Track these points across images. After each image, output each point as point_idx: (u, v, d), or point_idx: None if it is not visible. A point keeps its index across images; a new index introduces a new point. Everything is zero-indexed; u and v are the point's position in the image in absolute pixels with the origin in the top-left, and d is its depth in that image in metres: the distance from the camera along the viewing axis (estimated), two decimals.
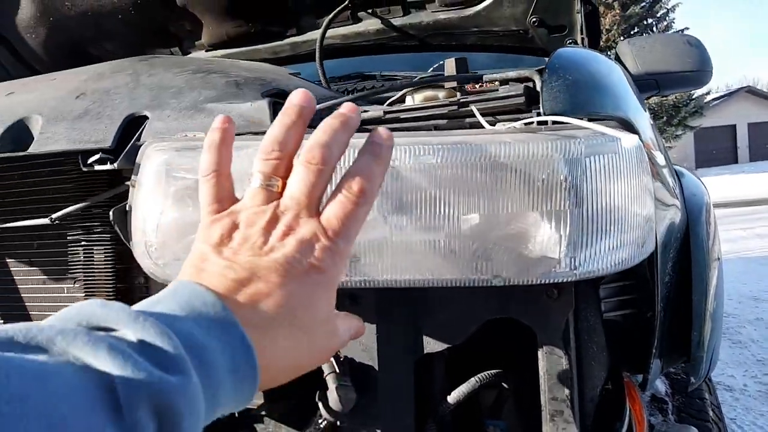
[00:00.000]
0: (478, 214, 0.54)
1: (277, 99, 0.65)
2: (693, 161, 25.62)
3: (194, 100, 0.63)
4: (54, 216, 0.68)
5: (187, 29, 1.53)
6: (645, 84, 1.32)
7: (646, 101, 1.19)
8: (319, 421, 0.71)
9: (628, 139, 0.55)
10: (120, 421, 0.28)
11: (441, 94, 0.75)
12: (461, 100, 0.63)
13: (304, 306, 0.41)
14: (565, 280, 0.56)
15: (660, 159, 0.76)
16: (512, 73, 0.65)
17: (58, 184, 0.74)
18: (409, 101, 0.78)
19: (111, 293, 0.71)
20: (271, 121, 0.61)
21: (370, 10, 1.39)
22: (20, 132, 0.64)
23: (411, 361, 0.69)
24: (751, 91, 29.78)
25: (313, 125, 0.45)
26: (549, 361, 0.66)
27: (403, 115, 0.66)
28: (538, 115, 0.60)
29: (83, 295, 0.73)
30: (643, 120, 0.70)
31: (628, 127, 0.61)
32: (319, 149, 0.42)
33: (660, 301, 0.68)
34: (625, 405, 0.73)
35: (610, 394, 0.74)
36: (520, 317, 0.66)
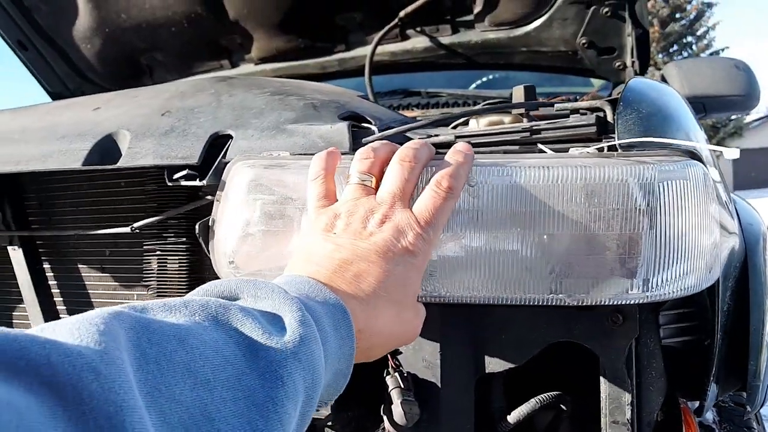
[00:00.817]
0: (554, 235, 0.56)
1: (353, 122, 0.68)
2: (731, 184, 25.15)
3: (276, 121, 0.66)
4: (135, 225, 0.71)
5: (237, 42, 1.57)
6: (692, 107, 1.33)
7: None
8: None
9: (697, 167, 0.56)
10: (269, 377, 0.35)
11: (507, 119, 0.76)
12: (534, 127, 0.65)
13: (398, 283, 0.47)
14: (636, 302, 0.57)
15: (721, 188, 0.76)
16: (583, 103, 0.66)
17: (136, 195, 0.77)
18: (473, 125, 0.80)
19: None
20: (350, 143, 0.64)
21: (418, 28, 1.41)
22: (109, 146, 0.67)
23: (472, 380, 0.70)
24: None
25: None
26: (611, 386, 0.67)
27: (474, 140, 0.67)
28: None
29: None
30: (706, 150, 0.71)
31: (696, 157, 0.62)
32: (411, 150, 0.51)
33: (719, 330, 0.69)
34: (681, 431, 0.74)
35: (667, 419, 0.75)
36: (584, 341, 0.67)
